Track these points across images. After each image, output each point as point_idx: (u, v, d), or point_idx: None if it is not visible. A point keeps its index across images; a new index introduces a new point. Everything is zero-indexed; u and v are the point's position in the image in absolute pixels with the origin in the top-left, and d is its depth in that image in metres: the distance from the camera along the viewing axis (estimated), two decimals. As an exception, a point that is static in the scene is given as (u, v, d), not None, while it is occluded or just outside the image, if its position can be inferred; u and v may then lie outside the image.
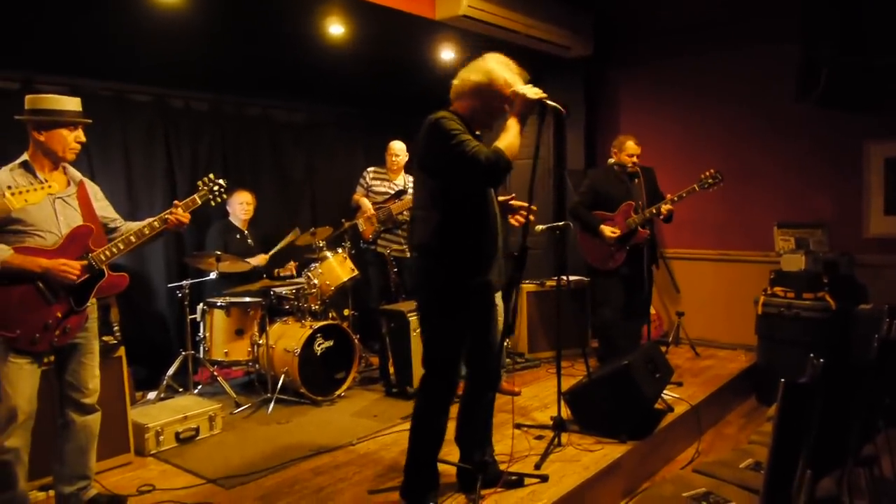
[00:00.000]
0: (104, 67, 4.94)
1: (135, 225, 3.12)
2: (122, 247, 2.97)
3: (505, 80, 2.89)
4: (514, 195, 3.25)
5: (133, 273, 5.17)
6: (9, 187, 2.59)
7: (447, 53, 5.68)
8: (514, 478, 3.24)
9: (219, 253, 4.75)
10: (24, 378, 2.77)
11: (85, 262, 2.87)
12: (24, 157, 2.89)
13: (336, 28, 4.85)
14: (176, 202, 3.12)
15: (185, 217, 3.09)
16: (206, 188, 3.26)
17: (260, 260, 5.30)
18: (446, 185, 2.85)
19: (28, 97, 2.89)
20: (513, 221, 3.22)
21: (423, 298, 3.01)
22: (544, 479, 3.27)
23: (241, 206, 5.39)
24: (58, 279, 2.79)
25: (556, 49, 5.92)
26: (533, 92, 2.81)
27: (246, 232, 5.44)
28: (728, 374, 5.17)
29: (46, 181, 2.74)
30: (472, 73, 2.93)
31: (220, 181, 3.31)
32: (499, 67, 2.92)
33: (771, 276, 5.24)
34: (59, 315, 2.83)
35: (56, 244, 2.85)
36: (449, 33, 5.32)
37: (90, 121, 3.00)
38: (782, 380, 1.89)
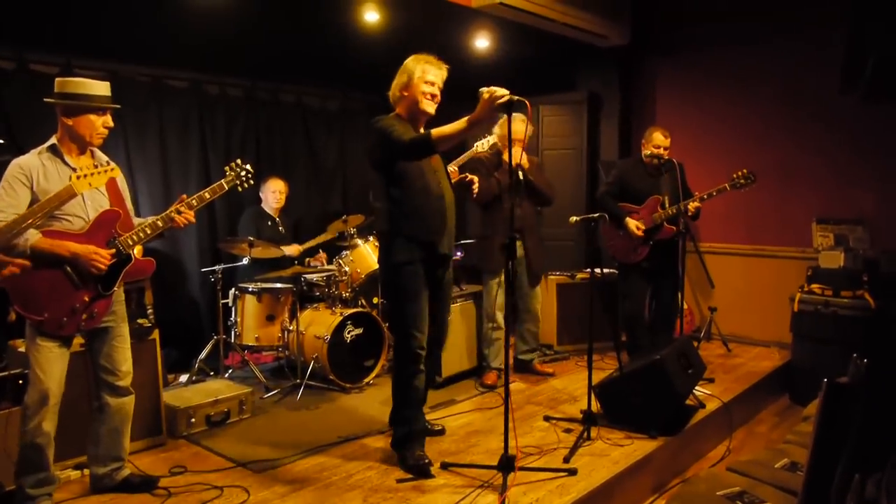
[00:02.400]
0: (142, 53, 5.01)
1: (143, 220, 3.08)
2: (149, 232, 2.96)
3: (421, 69, 3.27)
4: (465, 175, 3.67)
5: (167, 257, 5.30)
6: (74, 170, 2.57)
7: (482, 42, 5.64)
8: (438, 427, 3.81)
9: (251, 239, 4.78)
10: (54, 362, 2.79)
11: (113, 250, 2.87)
12: (52, 140, 2.86)
13: (371, 15, 4.83)
14: (183, 197, 3.06)
15: (190, 216, 3.02)
16: (233, 173, 3.22)
17: (293, 250, 5.34)
18: (389, 177, 3.29)
19: (57, 80, 2.85)
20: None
21: (384, 276, 3.48)
22: (573, 472, 3.24)
23: (273, 195, 5.42)
24: (87, 266, 2.79)
25: (592, 38, 5.85)
26: (489, 92, 2.95)
27: (278, 219, 5.48)
28: (761, 372, 5.08)
29: (109, 166, 2.68)
30: (396, 78, 3.35)
31: (247, 166, 3.26)
32: (413, 61, 3.31)
33: (808, 273, 5.13)
34: (87, 299, 2.84)
35: (84, 228, 2.84)
36: (485, 21, 5.28)
37: (118, 106, 2.98)
38: (825, 380, 1.84)
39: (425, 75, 3.27)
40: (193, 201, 3.06)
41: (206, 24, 4.60)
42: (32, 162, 2.78)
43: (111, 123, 2.95)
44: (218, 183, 3.17)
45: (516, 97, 2.99)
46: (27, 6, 4.07)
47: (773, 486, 2.43)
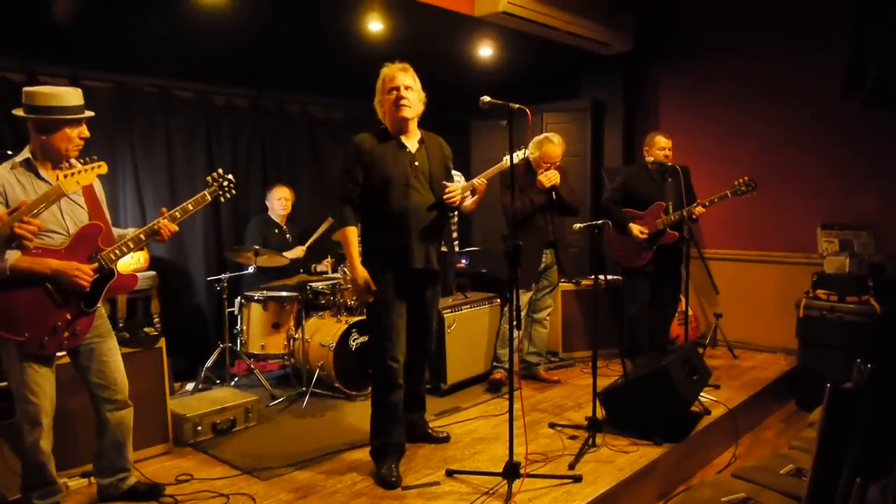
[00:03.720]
0: (149, 64, 5.05)
1: (123, 231, 3.05)
2: (132, 245, 2.88)
3: (381, 81, 3.32)
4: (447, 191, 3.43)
5: (173, 266, 5.33)
6: (59, 168, 2.49)
7: (485, 50, 5.67)
8: (442, 434, 3.82)
9: (257, 247, 4.80)
10: (41, 381, 2.74)
11: (95, 265, 2.78)
12: (26, 154, 2.73)
13: (375, 25, 4.86)
14: (164, 210, 2.98)
15: (173, 227, 2.96)
16: (215, 184, 3.14)
17: (297, 252, 5.36)
18: (361, 191, 3.36)
19: (25, 91, 2.70)
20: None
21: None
22: (578, 479, 3.24)
23: (279, 202, 5.45)
24: (69, 283, 2.70)
25: (595, 46, 5.86)
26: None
27: (284, 227, 5.50)
28: (767, 378, 5.06)
29: (97, 162, 2.56)
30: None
31: (229, 176, 3.18)
32: (379, 77, 3.34)
33: (813, 279, 5.13)
34: (69, 317, 2.75)
35: (64, 244, 2.74)
36: (488, 30, 5.30)
37: (93, 114, 2.82)
38: (828, 385, 1.85)
39: (386, 84, 3.29)
40: (177, 213, 2.97)
41: (212, 35, 4.63)
42: (5, 177, 2.66)
43: (87, 134, 2.80)
44: (200, 194, 3.07)
45: (516, 106, 3.05)
46: (36, 19, 4.11)
47: (778, 493, 2.43)
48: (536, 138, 4.71)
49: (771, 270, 5.95)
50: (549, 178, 4.52)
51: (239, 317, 4.96)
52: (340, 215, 3.36)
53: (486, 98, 3.11)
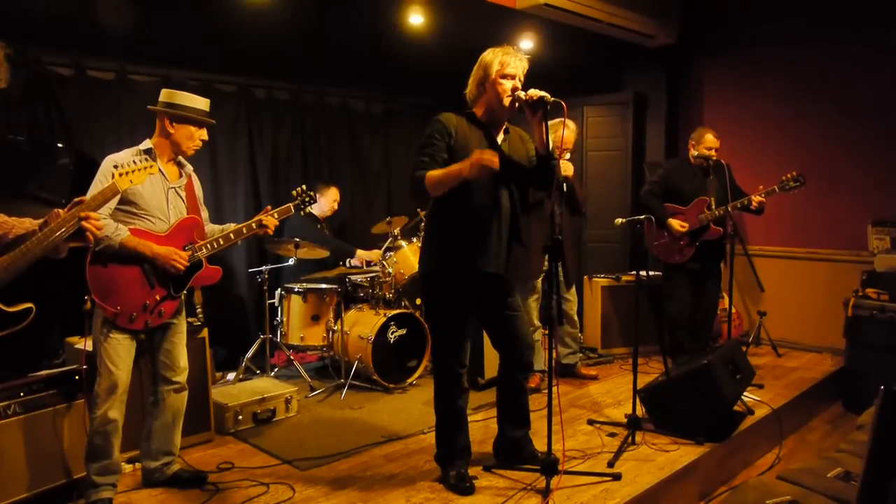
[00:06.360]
0: (192, 58, 5.12)
1: (218, 227, 3.29)
2: (222, 242, 3.13)
3: (500, 62, 2.95)
4: None
5: (215, 258, 5.37)
6: (115, 167, 2.62)
7: (526, 43, 5.62)
8: (546, 456, 3.08)
9: (297, 239, 4.84)
10: (123, 353, 2.90)
11: (189, 254, 3.01)
12: (148, 144, 3.01)
13: (416, 18, 4.86)
14: (269, 208, 3.28)
15: (276, 223, 3.29)
16: (299, 199, 3.44)
17: (373, 255, 5.38)
18: None
19: (165, 91, 3.05)
20: None
21: (421, 279, 3.22)
22: (617, 477, 3.20)
23: (334, 203, 5.50)
24: (165, 267, 2.92)
25: (638, 37, 5.78)
26: (527, 96, 2.88)
27: (323, 221, 5.54)
28: (812, 378, 4.94)
29: (148, 163, 2.70)
30: (472, 75, 3.06)
31: (311, 193, 3.49)
32: (490, 54, 3.00)
33: (863, 277, 4.98)
34: (158, 298, 2.96)
35: (166, 231, 2.98)
36: (529, 22, 5.26)
37: (214, 122, 3.15)
38: (882, 387, 1.79)
39: (504, 68, 2.93)
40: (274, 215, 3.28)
41: (254, 29, 4.69)
42: (127, 160, 2.76)
43: (206, 137, 3.11)
44: (286, 206, 3.39)
45: (552, 98, 2.90)
46: (84, 15, 4.19)
47: (826, 496, 2.36)
48: (552, 122, 4.57)
49: (817, 268, 5.80)
50: (563, 166, 4.38)
51: (279, 308, 5.02)
52: (415, 179, 2.90)
53: (521, 93, 2.93)
